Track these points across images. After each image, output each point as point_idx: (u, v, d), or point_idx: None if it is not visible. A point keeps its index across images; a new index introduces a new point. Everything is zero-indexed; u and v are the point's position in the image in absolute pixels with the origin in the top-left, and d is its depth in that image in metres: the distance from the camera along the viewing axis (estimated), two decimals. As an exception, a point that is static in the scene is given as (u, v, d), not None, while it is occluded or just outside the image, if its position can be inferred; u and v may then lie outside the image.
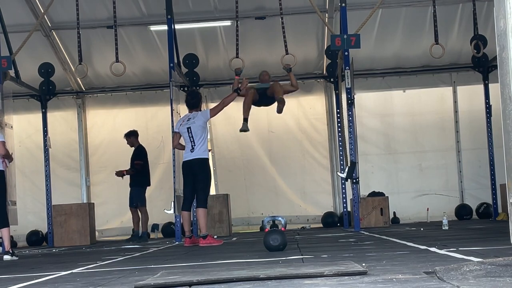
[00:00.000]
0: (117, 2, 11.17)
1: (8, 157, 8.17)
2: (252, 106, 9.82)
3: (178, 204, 9.67)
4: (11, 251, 7.92)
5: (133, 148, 11.82)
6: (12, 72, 10.99)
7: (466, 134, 13.65)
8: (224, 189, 13.33)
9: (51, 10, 11.96)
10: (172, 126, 10.02)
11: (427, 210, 12.83)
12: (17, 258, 7.86)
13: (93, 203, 12.43)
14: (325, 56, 13.08)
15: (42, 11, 11.94)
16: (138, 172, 11.57)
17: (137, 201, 11.53)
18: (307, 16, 12.49)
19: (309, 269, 3.61)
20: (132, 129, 11.96)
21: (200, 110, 9.03)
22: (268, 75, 10.20)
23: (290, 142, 13.72)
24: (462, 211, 13.31)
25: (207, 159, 8.86)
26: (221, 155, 13.85)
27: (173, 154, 10.35)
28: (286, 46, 11.24)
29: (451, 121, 13.71)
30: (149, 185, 11.80)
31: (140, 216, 11.57)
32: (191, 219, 9.29)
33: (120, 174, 11.75)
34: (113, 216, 13.31)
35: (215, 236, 9.69)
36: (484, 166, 13.01)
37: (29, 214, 12.97)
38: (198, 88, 12.89)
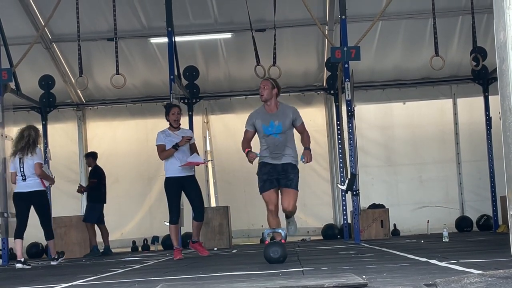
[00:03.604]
0: (117, 15, 11.20)
1: (46, 177, 9.09)
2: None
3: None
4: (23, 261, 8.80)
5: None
6: (12, 84, 11.01)
7: (466, 146, 13.65)
8: (224, 201, 13.32)
9: (51, 23, 11.98)
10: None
11: (428, 222, 12.82)
12: (29, 266, 8.57)
13: (93, 215, 12.40)
14: (325, 68, 13.10)
15: (43, 24, 11.97)
16: (93, 189, 11.96)
17: (89, 216, 11.84)
18: (307, 29, 12.52)
19: (309, 281, 3.61)
20: (91, 151, 12.44)
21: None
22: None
23: (290, 154, 13.70)
24: (463, 223, 13.30)
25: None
26: (221, 167, 13.84)
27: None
28: (274, 57, 11.34)
29: (451, 133, 13.71)
30: (104, 202, 12.06)
31: (101, 232, 11.93)
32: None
33: (79, 190, 12.28)
34: (113, 228, 13.26)
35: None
36: (484, 178, 13.00)
37: (29, 226, 12.88)
38: (198, 100, 12.92)
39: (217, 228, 11.74)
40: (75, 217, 12.17)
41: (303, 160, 7.21)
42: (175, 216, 8.93)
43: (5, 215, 10.22)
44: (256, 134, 7.49)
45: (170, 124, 8.93)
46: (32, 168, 8.94)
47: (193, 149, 8.96)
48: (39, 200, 9.13)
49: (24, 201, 9.06)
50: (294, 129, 7.48)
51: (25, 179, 8.97)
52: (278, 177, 7.25)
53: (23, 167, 8.95)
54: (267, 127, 7.31)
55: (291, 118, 7.36)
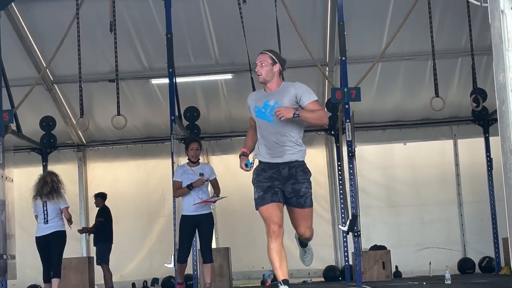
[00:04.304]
0: (119, 56, 11.26)
1: (70, 220, 9.62)
2: None
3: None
4: None
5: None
6: (13, 126, 11.02)
7: (468, 187, 13.60)
8: (224, 242, 13.25)
9: (53, 64, 12.04)
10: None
11: (430, 264, 12.73)
12: None
13: (93, 257, 12.33)
14: (325, 109, 13.14)
15: (44, 65, 12.03)
16: (102, 229, 11.95)
17: (103, 256, 11.82)
18: (308, 70, 12.57)
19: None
20: (101, 192, 12.37)
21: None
22: None
23: (291, 195, 13.66)
24: (465, 265, 13.19)
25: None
26: (221, 208, 13.78)
27: (174, 207, 10.30)
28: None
29: (452, 174, 13.68)
30: (111, 242, 12.03)
31: (104, 274, 11.90)
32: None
33: (83, 231, 12.33)
34: (113, 269, 13.13)
35: None
36: (486, 219, 12.93)
37: (27, 268, 12.84)
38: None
39: (218, 269, 11.66)
40: (75, 259, 12.09)
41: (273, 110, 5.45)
42: (183, 254, 8.83)
43: (4, 257, 10.16)
44: None
45: (189, 159, 8.91)
46: (56, 211, 9.47)
47: (214, 185, 8.93)
48: (59, 241, 9.55)
49: (45, 245, 9.48)
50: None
51: (47, 221, 9.43)
52: (283, 188, 5.50)
53: (47, 210, 9.45)
54: (260, 109, 5.62)
55: (293, 94, 5.53)
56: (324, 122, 5.63)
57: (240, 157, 5.72)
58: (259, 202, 5.49)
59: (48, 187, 9.50)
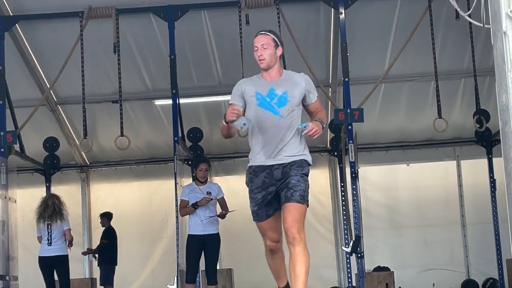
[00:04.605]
0: (122, 77, 11.29)
1: (71, 242, 9.97)
2: None
3: (181, 278, 9.59)
4: None
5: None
6: (17, 147, 11.04)
7: (471, 208, 13.57)
8: (227, 263, 13.20)
9: (56, 85, 12.08)
10: (176, 200, 9.97)
11: (433, 285, 12.67)
12: None
13: (95, 278, 12.30)
14: (328, 130, 13.14)
15: (48, 86, 12.07)
16: (106, 250, 12.03)
17: (107, 278, 11.89)
18: (311, 91, 12.58)
19: None
20: (106, 211, 12.48)
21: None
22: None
23: (294, 215, 13.64)
24: (468, 286, 13.12)
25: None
26: (224, 228, 13.70)
27: (177, 228, 10.28)
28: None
29: (455, 195, 13.66)
30: (116, 264, 12.08)
31: None
32: None
33: (87, 252, 12.40)
34: (116, 291, 13.16)
35: None
36: (489, 240, 12.88)
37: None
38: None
39: (221, 291, 11.61)
40: (77, 280, 12.05)
41: (305, 127, 4.78)
42: (191, 274, 8.81)
43: (7, 278, 10.13)
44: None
45: (197, 178, 8.91)
46: (60, 233, 9.79)
47: (222, 204, 8.93)
48: (62, 265, 9.87)
49: (48, 266, 9.76)
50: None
51: (51, 243, 9.71)
52: (277, 189, 4.92)
53: (51, 232, 9.74)
54: (264, 98, 4.87)
55: (303, 87, 4.96)
56: (325, 121, 5.13)
57: (224, 120, 4.90)
58: (254, 217, 5.08)
59: (50, 210, 9.75)
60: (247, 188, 5.16)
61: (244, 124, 4.79)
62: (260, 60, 4.94)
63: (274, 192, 4.96)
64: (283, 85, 4.92)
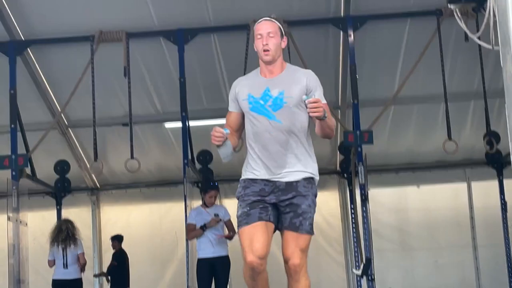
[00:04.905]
0: (132, 100, 11.34)
1: (84, 266, 10.31)
2: None
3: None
4: None
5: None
6: (28, 170, 11.08)
7: (482, 230, 13.51)
8: (237, 285, 13.15)
9: (67, 109, 12.14)
10: (186, 222, 9.97)
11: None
12: None
13: (106, 301, 12.30)
14: (338, 152, 13.14)
15: (59, 110, 12.13)
16: (117, 273, 12.14)
17: None
18: (320, 113, 12.60)
19: None
20: (117, 234, 12.62)
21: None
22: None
23: (304, 238, 13.62)
24: (481, 309, 13.06)
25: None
26: (233, 249, 13.72)
27: (187, 251, 10.27)
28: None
29: (466, 217, 13.60)
30: (128, 286, 12.14)
31: None
32: None
33: (99, 275, 12.55)
34: (126, 314, 13.13)
35: None
36: (501, 262, 12.81)
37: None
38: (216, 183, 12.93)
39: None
40: (87, 303, 12.05)
41: (308, 98, 4.00)
42: None
43: (17, 301, 10.14)
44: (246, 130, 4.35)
45: (204, 202, 8.92)
46: (74, 257, 10.13)
47: (229, 226, 8.91)
48: None
49: None
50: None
51: (67, 266, 9.99)
52: (277, 201, 4.19)
53: (66, 256, 10.02)
54: (257, 101, 4.19)
55: (303, 85, 4.21)
56: (333, 134, 4.42)
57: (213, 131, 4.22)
58: (243, 219, 4.15)
59: (64, 234, 10.02)
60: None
61: (227, 156, 4.29)
62: (264, 51, 4.19)
63: (273, 200, 4.20)
64: (279, 83, 4.21)
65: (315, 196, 4.34)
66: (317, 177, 4.40)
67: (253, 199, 4.19)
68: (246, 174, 4.33)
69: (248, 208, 4.17)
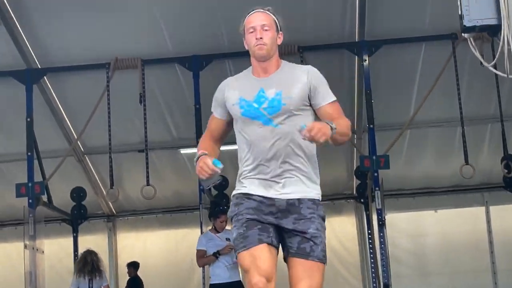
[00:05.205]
0: (148, 127, 11.37)
1: None
2: None
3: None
4: None
5: None
6: (44, 197, 11.10)
7: (502, 255, 13.37)
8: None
9: (84, 136, 12.18)
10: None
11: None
12: None
13: (122, 328, 12.25)
14: (354, 176, 13.08)
15: (76, 137, 12.17)
16: None
17: None
18: (336, 138, 12.56)
19: None
20: (133, 261, 12.75)
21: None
22: None
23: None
24: (501, 334, 12.89)
25: None
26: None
27: (203, 278, 10.22)
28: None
29: (485, 241, 13.47)
30: None
31: None
32: None
33: None
34: None
35: None
36: (522, 287, 12.69)
37: None
38: (227, 208, 12.89)
39: None
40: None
41: (303, 129, 3.40)
42: None
43: (34, 329, 10.12)
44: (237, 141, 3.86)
45: (215, 227, 8.88)
46: None
47: None
48: None
49: None
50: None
51: None
52: (278, 223, 3.59)
53: (92, 287, 10.07)
54: (250, 104, 3.68)
55: (304, 83, 3.71)
56: (349, 136, 3.79)
57: (196, 161, 3.79)
58: (239, 243, 3.55)
59: (89, 266, 10.05)
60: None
61: (215, 165, 3.67)
62: (258, 45, 3.62)
63: (273, 221, 3.57)
64: (275, 82, 3.66)
65: (323, 219, 3.73)
66: (320, 194, 3.84)
67: (249, 217, 3.57)
68: (239, 189, 3.73)
69: (245, 229, 3.55)
